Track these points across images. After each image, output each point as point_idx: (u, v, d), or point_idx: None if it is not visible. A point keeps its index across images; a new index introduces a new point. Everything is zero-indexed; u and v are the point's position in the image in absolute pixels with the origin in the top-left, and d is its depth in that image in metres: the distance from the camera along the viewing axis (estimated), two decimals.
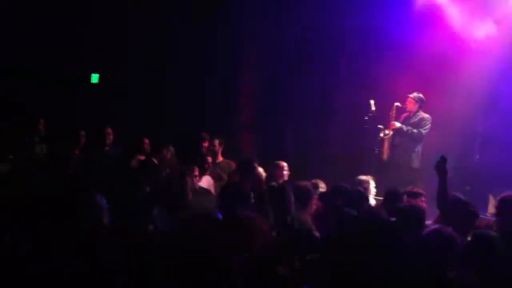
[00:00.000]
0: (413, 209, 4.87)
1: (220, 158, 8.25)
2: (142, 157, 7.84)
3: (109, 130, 8.26)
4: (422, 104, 8.74)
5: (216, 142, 8.25)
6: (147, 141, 8.30)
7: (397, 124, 8.69)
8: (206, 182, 7.40)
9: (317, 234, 4.85)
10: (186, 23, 9.96)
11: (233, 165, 7.78)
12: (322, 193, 5.82)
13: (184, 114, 10.03)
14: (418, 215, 4.73)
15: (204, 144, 8.45)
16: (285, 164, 7.56)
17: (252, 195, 5.09)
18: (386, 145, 8.74)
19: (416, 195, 6.21)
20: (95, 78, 8.80)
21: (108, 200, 3.57)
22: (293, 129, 10.52)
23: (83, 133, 8.15)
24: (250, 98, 10.54)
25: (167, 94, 10.14)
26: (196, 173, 6.73)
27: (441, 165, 5.17)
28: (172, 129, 9.57)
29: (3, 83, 9.10)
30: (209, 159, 7.90)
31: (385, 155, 8.75)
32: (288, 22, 9.96)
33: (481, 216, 5.23)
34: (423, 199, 6.20)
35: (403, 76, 9.04)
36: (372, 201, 6.70)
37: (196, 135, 8.64)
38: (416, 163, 8.69)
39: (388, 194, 6.22)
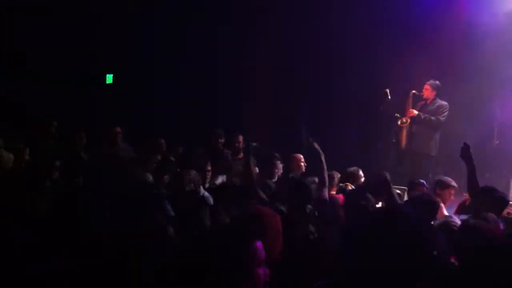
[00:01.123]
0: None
1: (241, 154, 7.97)
2: (159, 156, 7.78)
3: (118, 129, 8.18)
4: (439, 91, 8.64)
5: (241, 138, 8.04)
6: (162, 140, 8.26)
7: (415, 112, 8.60)
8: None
9: None
10: (195, 22, 9.90)
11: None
12: (349, 191, 5.82)
13: (196, 111, 9.97)
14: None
15: (219, 140, 8.36)
16: (301, 156, 7.50)
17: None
18: (404, 133, 8.65)
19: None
20: (109, 78, 8.74)
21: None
22: (307, 120, 10.43)
23: (83, 133, 8.06)
24: (263, 92, 10.47)
25: (178, 92, 10.08)
26: (209, 168, 6.53)
27: (465, 152, 5.20)
28: (184, 127, 9.51)
29: (3, 83, 9.08)
30: (228, 157, 7.48)
31: (403, 144, 8.67)
32: (298, 9, 9.84)
33: None
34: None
35: (419, 62, 8.91)
36: None
37: (211, 131, 8.54)
38: (433, 151, 8.62)
39: (411, 184, 6.32)
